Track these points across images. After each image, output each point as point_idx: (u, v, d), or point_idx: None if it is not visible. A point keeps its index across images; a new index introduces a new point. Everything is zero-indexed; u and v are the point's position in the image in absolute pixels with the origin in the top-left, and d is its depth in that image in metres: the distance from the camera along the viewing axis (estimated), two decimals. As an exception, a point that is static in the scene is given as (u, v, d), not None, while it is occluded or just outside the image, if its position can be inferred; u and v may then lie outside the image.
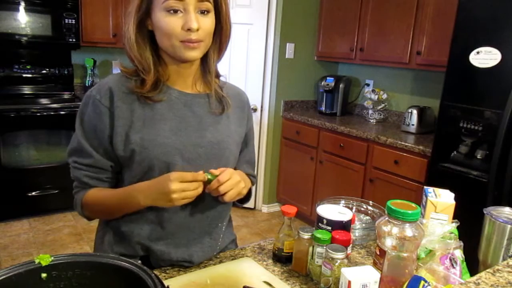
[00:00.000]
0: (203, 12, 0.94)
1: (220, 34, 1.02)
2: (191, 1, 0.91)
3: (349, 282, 0.80)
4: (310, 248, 0.99)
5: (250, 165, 1.21)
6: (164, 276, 0.99)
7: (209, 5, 0.95)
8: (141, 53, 0.98)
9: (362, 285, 0.81)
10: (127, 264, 0.72)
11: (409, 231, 0.85)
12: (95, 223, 1.16)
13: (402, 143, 2.71)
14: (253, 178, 1.20)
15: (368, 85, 3.72)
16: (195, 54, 0.97)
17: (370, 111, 3.48)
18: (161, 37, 0.95)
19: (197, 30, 0.93)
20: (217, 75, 1.11)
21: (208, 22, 0.95)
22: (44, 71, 3.67)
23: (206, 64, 1.06)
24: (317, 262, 0.97)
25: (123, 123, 0.98)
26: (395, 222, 0.85)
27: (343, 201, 1.32)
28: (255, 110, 3.68)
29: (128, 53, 0.99)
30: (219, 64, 1.10)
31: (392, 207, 0.85)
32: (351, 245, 1.01)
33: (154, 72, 0.99)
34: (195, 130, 1.03)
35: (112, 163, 1.02)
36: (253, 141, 1.23)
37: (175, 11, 0.92)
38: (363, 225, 1.24)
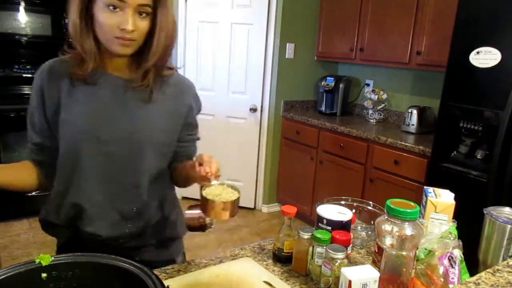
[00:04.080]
0: (141, 14, 0.97)
1: (153, 37, 1.01)
2: (132, 4, 0.94)
3: (350, 281, 0.80)
4: (310, 248, 0.99)
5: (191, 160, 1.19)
6: (164, 276, 0.99)
7: (148, 9, 0.97)
8: (84, 40, 1.00)
9: (362, 285, 0.81)
10: (127, 265, 0.72)
11: (408, 230, 0.85)
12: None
13: (402, 143, 2.71)
14: None
15: (368, 85, 3.72)
16: (127, 51, 1.00)
17: (370, 111, 3.48)
18: (98, 29, 0.98)
19: (132, 31, 0.95)
20: (160, 67, 1.09)
21: (144, 25, 0.98)
22: (44, 71, 3.67)
23: (139, 59, 1.06)
24: (317, 262, 0.97)
25: (52, 102, 1.05)
26: (394, 221, 0.85)
27: (343, 201, 1.32)
28: (255, 110, 3.69)
29: (72, 37, 1.01)
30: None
31: (391, 206, 0.85)
32: (351, 245, 1.01)
33: (96, 58, 1.01)
34: (116, 114, 1.05)
35: (41, 139, 1.09)
36: (195, 136, 1.22)
37: (114, 8, 0.94)
38: (363, 225, 1.24)
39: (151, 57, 1.03)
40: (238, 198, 0.95)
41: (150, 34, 1.01)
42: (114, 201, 1.08)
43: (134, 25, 0.95)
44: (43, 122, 1.07)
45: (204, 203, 0.93)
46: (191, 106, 1.17)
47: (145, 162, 1.08)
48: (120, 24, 0.94)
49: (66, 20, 3.41)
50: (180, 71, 1.22)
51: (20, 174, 1.10)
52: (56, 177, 1.09)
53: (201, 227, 1.29)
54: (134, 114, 1.06)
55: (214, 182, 0.97)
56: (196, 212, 1.28)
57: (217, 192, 0.95)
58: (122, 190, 1.08)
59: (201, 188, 0.96)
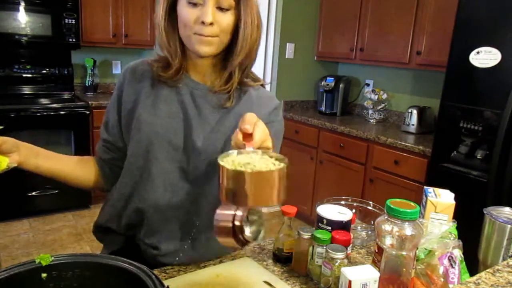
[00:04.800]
0: (222, 9, 0.94)
1: (238, 33, 0.98)
2: None
3: (350, 281, 0.80)
4: (310, 248, 0.99)
5: None
6: (164, 276, 0.99)
7: (231, 2, 0.94)
8: (169, 40, 1.00)
9: (362, 285, 0.81)
10: (127, 265, 0.72)
11: (408, 230, 0.85)
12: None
13: (402, 143, 2.71)
14: None
15: (368, 85, 3.72)
16: (207, 49, 0.96)
17: (370, 111, 3.48)
18: (180, 26, 0.97)
19: (211, 24, 0.92)
20: (245, 69, 1.05)
21: (226, 19, 0.94)
22: (44, 71, 3.67)
23: (225, 61, 1.04)
24: (317, 262, 0.97)
25: (129, 99, 1.05)
26: (394, 221, 0.85)
27: (343, 201, 1.32)
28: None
29: (158, 40, 1.01)
30: None
31: (391, 206, 0.85)
32: (351, 245, 1.01)
33: (180, 60, 1.01)
34: (191, 121, 1.03)
35: (110, 136, 1.09)
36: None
37: (195, 4, 0.93)
38: (364, 225, 1.24)
39: (236, 55, 0.99)
40: (285, 167, 0.61)
41: (235, 33, 0.97)
42: (178, 211, 1.05)
43: (214, 18, 0.92)
44: (115, 120, 1.07)
45: (224, 181, 0.58)
46: (267, 118, 1.04)
47: (215, 172, 1.03)
48: (199, 18, 0.92)
49: (66, 20, 3.42)
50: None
51: (77, 167, 1.09)
52: (121, 179, 1.07)
53: (236, 237, 0.73)
54: (209, 123, 1.03)
55: (249, 148, 0.67)
56: (230, 212, 0.73)
57: (245, 160, 0.61)
58: (188, 200, 1.05)
59: (219, 157, 0.64)
